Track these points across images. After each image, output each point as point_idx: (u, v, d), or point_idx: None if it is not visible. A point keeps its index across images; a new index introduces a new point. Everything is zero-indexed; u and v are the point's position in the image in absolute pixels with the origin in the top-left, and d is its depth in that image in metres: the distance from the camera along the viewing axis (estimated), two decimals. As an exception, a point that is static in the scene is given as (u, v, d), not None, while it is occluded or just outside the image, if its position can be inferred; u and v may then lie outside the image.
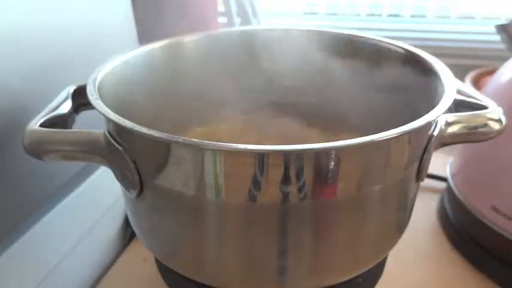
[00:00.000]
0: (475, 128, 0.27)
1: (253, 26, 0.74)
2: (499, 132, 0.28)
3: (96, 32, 0.39)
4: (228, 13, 0.72)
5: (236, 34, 0.40)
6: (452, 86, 0.27)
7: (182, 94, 0.38)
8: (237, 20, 0.73)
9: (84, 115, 0.32)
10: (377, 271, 0.34)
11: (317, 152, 0.21)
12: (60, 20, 0.35)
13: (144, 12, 0.48)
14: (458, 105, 0.29)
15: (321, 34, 0.38)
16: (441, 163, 0.49)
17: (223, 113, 0.41)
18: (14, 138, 0.30)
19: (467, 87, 0.31)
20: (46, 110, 0.28)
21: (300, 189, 0.22)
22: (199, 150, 0.22)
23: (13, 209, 0.32)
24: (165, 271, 0.34)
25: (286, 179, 0.22)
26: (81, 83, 0.31)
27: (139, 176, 0.25)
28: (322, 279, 0.27)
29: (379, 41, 0.36)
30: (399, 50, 0.34)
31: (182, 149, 0.22)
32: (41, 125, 0.27)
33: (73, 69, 0.36)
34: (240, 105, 0.41)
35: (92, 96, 0.26)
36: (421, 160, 0.26)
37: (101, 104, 0.25)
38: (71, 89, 0.31)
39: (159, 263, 0.35)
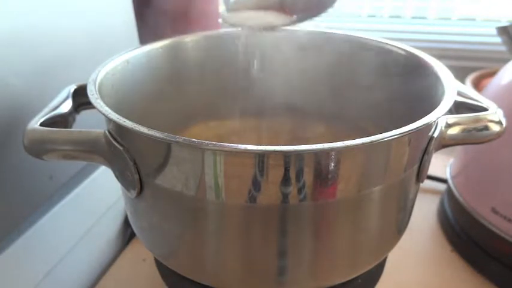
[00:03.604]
0: (475, 129, 0.27)
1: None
2: (499, 134, 0.28)
3: (97, 31, 0.39)
4: (229, 13, 0.72)
5: (237, 34, 0.40)
6: (452, 88, 0.27)
7: (182, 94, 0.38)
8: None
9: (84, 114, 0.32)
10: (376, 272, 0.34)
11: (317, 153, 0.21)
12: (61, 19, 0.35)
13: (145, 12, 0.48)
14: (459, 107, 0.29)
15: (322, 35, 0.38)
16: (441, 165, 0.49)
17: (223, 113, 0.41)
18: (14, 138, 0.30)
19: (467, 88, 0.31)
20: (46, 109, 0.28)
21: (299, 190, 0.22)
22: (199, 151, 0.22)
23: (13, 209, 0.32)
24: (164, 271, 0.34)
25: (286, 180, 0.22)
26: (81, 82, 0.31)
27: (139, 175, 0.25)
28: (322, 280, 0.27)
29: (380, 42, 0.36)
30: (400, 51, 0.34)
31: (182, 149, 0.22)
32: (41, 124, 0.27)
33: (73, 69, 0.36)
34: (241, 106, 0.41)
35: (93, 95, 0.26)
36: (421, 161, 0.26)
37: (102, 103, 0.25)
38: (72, 88, 0.31)
39: (158, 263, 0.35)
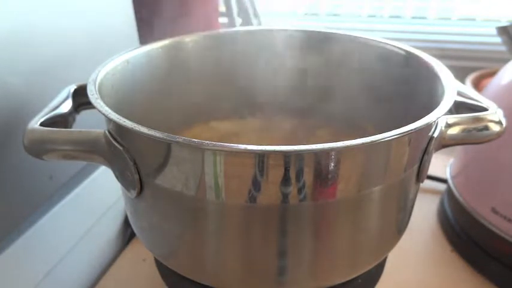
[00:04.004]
0: (475, 129, 0.27)
1: (254, 27, 0.74)
2: (499, 134, 0.28)
3: (97, 31, 0.39)
4: (228, 13, 0.72)
5: (237, 34, 0.40)
6: (452, 88, 0.27)
7: (182, 94, 0.38)
8: (237, 21, 0.73)
9: (84, 114, 0.32)
10: (376, 272, 0.34)
11: (317, 153, 0.21)
12: (61, 19, 0.35)
13: (145, 12, 0.48)
14: (459, 107, 0.29)
15: (321, 35, 0.38)
16: (441, 164, 0.49)
17: (223, 113, 0.41)
18: (14, 138, 0.30)
19: (467, 88, 0.31)
20: (46, 109, 0.28)
21: (299, 190, 0.22)
22: (199, 151, 0.22)
23: (13, 209, 0.32)
24: (164, 271, 0.34)
25: (286, 180, 0.22)
26: (81, 82, 0.31)
27: (139, 175, 0.25)
28: (322, 280, 0.27)
29: (380, 42, 0.36)
30: (400, 51, 0.34)
31: (182, 149, 0.22)
32: (41, 124, 0.27)
33: (73, 69, 0.36)
34: (241, 106, 0.41)
35: (93, 95, 0.26)
36: (421, 161, 0.26)
37: (102, 103, 0.25)
38: (72, 88, 0.31)
39: (158, 263, 0.35)
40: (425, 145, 0.26)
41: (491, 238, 0.39)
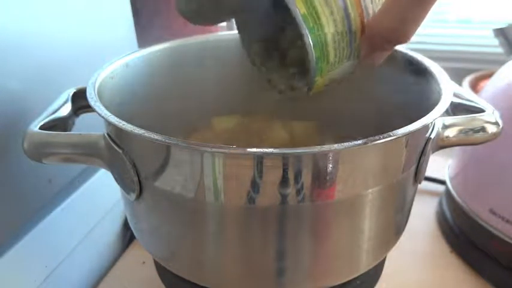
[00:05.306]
0: (472, 130, 0.28)
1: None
2: (495, 135, 0.28)
3: (96, 35, 0.39)
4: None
5: (235, 37, 0.40)
6: (449, 89, 0.27)
7: (181, 97, 0.38)
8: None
9: (83, 118, 0.32)
10: (375, 273, 0.34)
11: (315, 154, 0.22)
12: (60, 24, 0.35)
13: (144, 16, 0.48)
14: (456, 108, 0.30)
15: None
16: (440, 166, 0.49)
17: (223, 115, 0.41)
18: (13, 141, 0.30)
19: (464, 90, 0.31)
20: (46, 113, 0.28)
21: (298, 192, 0.23)
22: (198, 153, 0.22)
23: (12, 212, 0.32)
24: (164, 273, 0.34)
25: (284, 181, 0.22)
26: (81, 85, 0.31)
27: (139, 178, 0.25)
28: (321, 281, 0.27)
29: (377, 44, 0.36)
30: (397, 53, 0.34)
31: (181, 151, 0.23)
32: (40, 128, 0.27)
33: (73, 72, 0.36)
34: (241, 108, 0.41)
35: (92, 99, 0.26)
36: (418, 162, 0.27)
37: (101, 106, 0.25)
38: (71, 91, 0.31)
39: (158, 266, 0.35)
40: (423, 146, 0.26)
41: (489, 239, 0.39)
